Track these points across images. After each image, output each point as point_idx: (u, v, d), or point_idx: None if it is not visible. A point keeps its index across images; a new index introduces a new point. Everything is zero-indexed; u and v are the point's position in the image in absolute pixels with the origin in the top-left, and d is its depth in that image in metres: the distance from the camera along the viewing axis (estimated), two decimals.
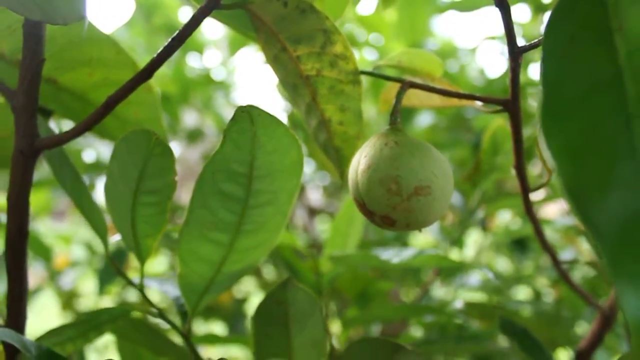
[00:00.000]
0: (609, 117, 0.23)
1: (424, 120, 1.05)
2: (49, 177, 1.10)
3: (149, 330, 0.49)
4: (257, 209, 0.41)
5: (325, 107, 0.42)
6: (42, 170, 1.06)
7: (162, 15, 1.19)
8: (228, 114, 1.33)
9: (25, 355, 0.45)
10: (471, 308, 0.65)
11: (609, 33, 0.25)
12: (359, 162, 0.37)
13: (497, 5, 0.36)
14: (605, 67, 0.24)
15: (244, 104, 0.36)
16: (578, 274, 1.04)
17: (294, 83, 0.42)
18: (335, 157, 0.44)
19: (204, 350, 1.30)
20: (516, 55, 0.37)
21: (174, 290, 0.51)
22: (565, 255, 1.04)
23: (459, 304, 0.66)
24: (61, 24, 0.32)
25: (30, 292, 0.95)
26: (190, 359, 0.46)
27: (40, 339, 0.45)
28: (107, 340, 1.16)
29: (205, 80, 1.20)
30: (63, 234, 1.39)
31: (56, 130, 0.47)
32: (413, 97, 0.47)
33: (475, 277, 0.91)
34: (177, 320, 0.49)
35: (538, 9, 0.91)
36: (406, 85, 0.39)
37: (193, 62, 1.27)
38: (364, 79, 0.42)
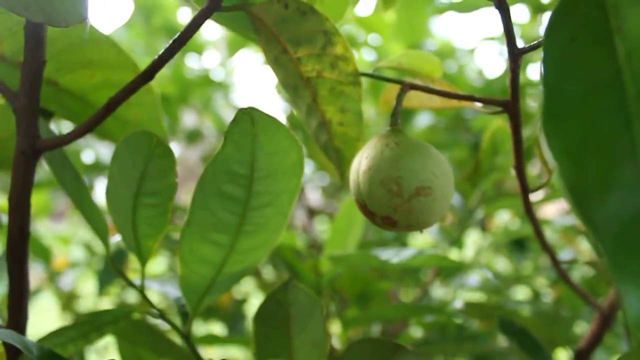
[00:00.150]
0: (609, 118, 0.23)
1: (422, 120, 1.05)
2: (48, 179, 1.10)
3: (150, 331, 0.49)
4: (257, 210, 0.41)
5: (326, 108, 0.42)
6: (41, 171, 1.06)
7: (161, 17, 1.19)
8: (227, 114, 1.33)
9: (26, 356, 0.45)
10: (471, 308, 0.65)
11: (609, 34, 0.25)
12: (360, 163, 0.37)
13: (496, 7, 0.36)
14: (605, 67, 0.25)
15: (245, 105, 0.37)
16: (577, 274, 1.04)
17: (294, 84, 0.42)
18: (336, 158, 0.44)
19: (204, 351, 1.30)
20: (516, 56, 0.37)
21: (174, 291, 0.51)
22: (564, 255, 1.04)
23: (458, 304, 0.66)
24: (63, 26, 0.32)
25: (30, 293, 0.95)
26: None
27: (41, 340, 0.45)
28: (107, 341, 1.16)
29: (204, 81, 1.20)
30: (62, 235, 1.39)
31: (56, 132, 0.47)
32: (413, 98, 0.47)
33: (474, 277, 0.92)
34: (176, 321, 0.49)
35: (537, 9, 0.91)
36: (407, 87, 0.40)
37: (192, 63, 1.27)
38: (364, 80, 0.42)
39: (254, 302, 1.33)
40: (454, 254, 0.91)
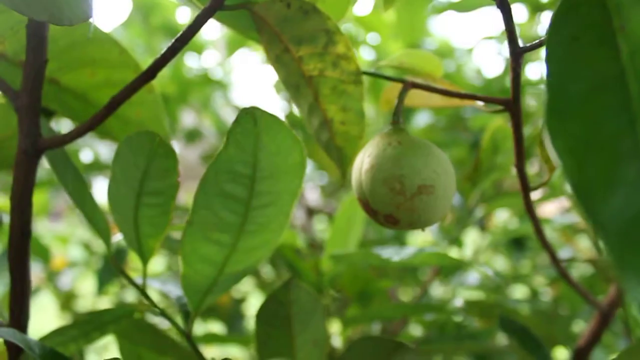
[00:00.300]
0: (612, 117, 0.24)
1: (421, 119, 1.05)
2: (46, 178, 1.10)
3: (151, 330, 0.50)
4: (259, 210, 0.41)
5: (328, 107, 0.42)
6: (40, 171, 1.06)
7: (160, 16, 1.19)
8: (226, 114, 1.33)
9: (28, 355, 0.45)
10: (471, 306, 0.66)
11: (612, 34, 0.25)
12: (363, 162, 0.38)
13: (498, 6, 0.36)
14: (608, 67, 0.25)
15: (247, 105, 0.37)
16: (575, 273, 1.05)
17: (296, 83, 0.42)
18: (337, 156, 0.44)
19: (202, 350, 1.30)
20: (517, 55, 0.37)
21: (176, 290, 0.51)
22: (563, 253, 1.05)
23: (459, 303, 0.66)
24: (67, 24, 0.32)
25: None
26: (193, 359, 0.46)
27: (43, 338, 0.45)
28: (106, 341, 1.16)
29: (204, 81, 1.20)
30: (60, 235, 1.39)
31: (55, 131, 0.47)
32: (414, 97, 0.47)
33: (473, 276, 0.92)
34: (176, 320, 0.49)
35: (535, 9, 0.92)
36: (408, 86, 0.40)
37: (191, 62, 1.27)
38: (363, 79, 0.42)
39: (253, 302, 1.33)
40: (453, 253, 0.91)
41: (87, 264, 1.31)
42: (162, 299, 1.21)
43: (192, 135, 1.27)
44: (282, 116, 1.11)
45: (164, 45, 1.19)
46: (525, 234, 1.02)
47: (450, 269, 0.86)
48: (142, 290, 0.45)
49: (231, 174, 0.39)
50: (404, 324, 0.84)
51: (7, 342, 0.44)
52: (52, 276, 1.18)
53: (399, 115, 0.39)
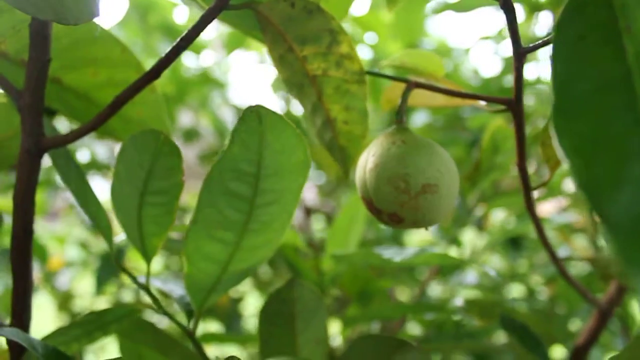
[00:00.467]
0: (618, 116, 0.24)
1: (419, 119, 1.05)
2: (43, 178, 1.10)
3: (153, 330, 0.49)
4: (263, 208, 0.41)
5: (331, 106, 0.42)
6: None
7: (157, 15, 1.18)
8: (224, 113, 1.33)
9: (31, 355, 0.45)
10: (471, 305, 0.66)
11: (618, 34, 0.26)
12: (367, 161, 0.38)
13: (501, 7, 0.36)
14: (614, 67, 0.25)
15: (247, 104, 0.37)
16: (572, 272, 1.05)
17: (299, 83, 0.42)
18: (340, 156, 0.45)
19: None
20: (520, 55, 0.37)
21: (177, 290, 0.51)
22: (560, 252, 1.05)
23: (459, 302, 0.67)
24: (73, 23, 0.32)
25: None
26: (196, 359, 0.46)
27: (45, 338, 0.45)
28: (103, 341, 1.16)
29: (202, 80, 1.20)
30: (57, 235, 1.39)
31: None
32: (416, 96, 0.47)
33: (471, 276, 0.92)
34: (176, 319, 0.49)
35: (533, 9, 0.92)
36: (412, 85, 0.40)
37: (188, 62, 1.27)
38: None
39: (251, 301, 1.33)
40: (452, 253, 0.92)
41: (84, 264, 1.31)
42: (161, 298, 1.20)
43: (190, 135, 1.27)
44: None
45: (161, 45, 1.19)
46: (523, 234, 1.03)
47: (449, 269, 0.86)
48: (146, 289, 0.45)
49: (236, 172, 0.39)
50: (402, 323, 0.84)
51: (9, 342, 0.44)
52: (49, 276, 1.18)
53: (403, 115, 0.39)
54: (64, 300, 1.16)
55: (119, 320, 0.47)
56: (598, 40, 0.26)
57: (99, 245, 1.30)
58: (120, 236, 0.51)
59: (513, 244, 1.10)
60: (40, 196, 1.23)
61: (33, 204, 0.42)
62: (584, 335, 0.61)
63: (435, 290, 1.11)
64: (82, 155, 1.21)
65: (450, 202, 0.38)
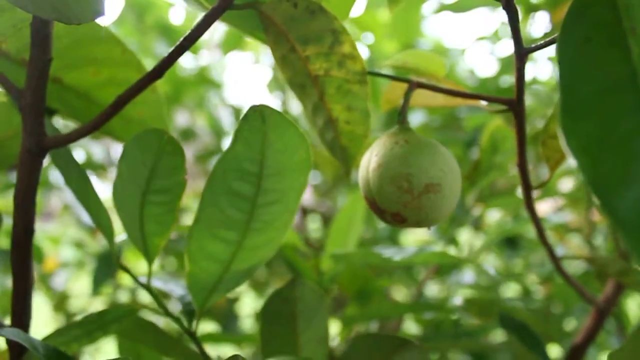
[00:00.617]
0: (625, 117, 0.24)
1: (415, 119, 1.06)
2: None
3: (153, 330, 0.49)
4: (266, 207, 0.41)
5: (333, 106, 0.42)
6: None
7: (153, 15, 1.18)
8: (219, 113, 1.33)
9: (31, 355, 0.45)
10: (470, 304, 0.66)
11: (622, 35, 0.26)
12: (370, 161, 0.38)
13: (504, 7, 0.36)
14: (619, 68, 0.25)
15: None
16: (567, 271, 1.06)
17: (301, 83, 0.42)
18: (342, 156, 0.45)
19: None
20: (522, 55, 0.37)
21: (178, 289, 0.51)
22: (555, 251, 1.06)
23: (458, 301, 0.67)
24: (76, 23, 0.32)
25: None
26: (198, 358, 0.46)
27: (45, 338, 0.45)
28: (100, 342, 1.15)
29: (198, 80, 1.20)
30: (52, 235, 1.38)
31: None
32: (417, 97, 0.47)
33: (469, 275, 0.93)
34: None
35: (529, 9, 0.93)
36: (414, 86, 0.40)
37: (185, 62, 1.27)
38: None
39: (247, 302, 1.33)
40: (450, 252, 0.92)
41: (79, 265, 1.30)
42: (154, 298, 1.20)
43: (186, 135, 1.27)
44: None
45: (157, 45, 1.19)
46: (519, 233, 1.03)
47: (447, 268, 0.87)
48: (148, 289, 0.45)
49: (238, 172, 0.39)
50: (399, 322, 0.84)
51: (9, 343, 0.44)
52: (44, 277, 1.17)
53: (405, 115, 0.39)
54: (60, 301, 1.15)
55: (119, 320, 0.47)
56: (603, 42, 0.26)
57: (95, 245, 1.29)
58: (120, 236, 0.51)
59: (509, 243, 1.11)
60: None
61: (34, 204, 0.42)
62: (581, 333, 0.62)
63: (432, 290, 1.12)
64: (78, 155, 1.21)
65: (453, 201, 0.38)
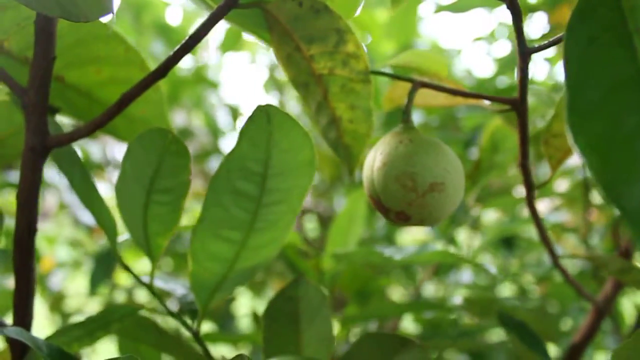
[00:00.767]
0: (631, 115, 0.24)
1: (414, 119, 1.05)
2: None
3: (156, 330, 0.49)
4: (269, 207, 0.41)
5: (337, 105, 0.43)
6: None
7: (150, 14, 1.18)
8: (217, 113, 1.33)
9: (33, 355, 0.44)
10: (471, 304, 0.67)
11: (628, 35, 0.26)
12: (374, 160, 0.38)
13: (508, 7, 0.37)
14: (625, 67, 0.26)
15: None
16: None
17: (305, 82, 0.42)
18: (345, 154, 0.45)
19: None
20: (525, 55, 0.38)
21: (179, 289, 0.51)
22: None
23: (457, 300, 0.67)
24: (83, 21, 0.32)
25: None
26: (201, 358, 0.46)
27: (48, 338, 0.44)
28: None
29: (195, 80, 1.20)
30: (48, 235, 1.37)
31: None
32: (418, 96, 0.47)
33: (467, 275, 0.93)
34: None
35: (526, 10, 0.93)
36: (418, 85, 0.40)
37: (182, 61, 1.26)
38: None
39: (243, 302, 1.33)
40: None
41: (75, 265, 1.29)
42: (152, 298, 1.20)
43: (184, 135, 1.27)
44: None
45: (154, 44, 1.18)
46: (515, 233, 1.04)
47: (446, 268, 0.87)
48: (150, 288, 0.45)
49: (243, 171, 0.39)
50: (397, 322, 0.85)
51: (10, 342, 0.44)
52: (41, 277, 1.16)
53: (410, 114, 0.40)
54: (56, 301, 1.15)
55: (121, 320, 0.47)
56: (609, 42, 0.27)
57: (92, 245, 1.29)
58: (122, 236, 0.51)
59: (505, 243, 1.11)
60: None
61: (37, 203, 0.42)
62: (580, 332, 0.62)
63: (429, 290, 1.12)
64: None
65: (456, 200, 0.38)
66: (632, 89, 0.25)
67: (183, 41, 0.37)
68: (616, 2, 0.27)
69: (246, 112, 1.29)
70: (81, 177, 0.43)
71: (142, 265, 1.43)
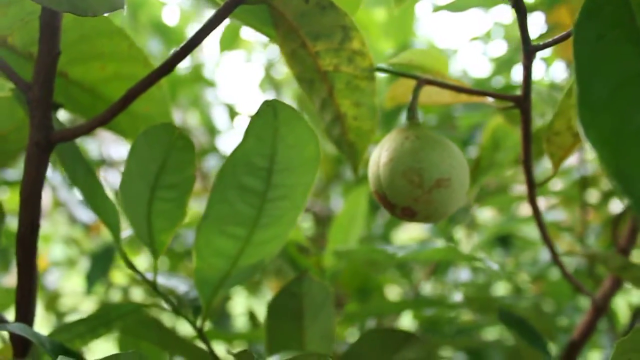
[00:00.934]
0: (639, 111, 0.25)
1: None
2: None
3: (158, 327, 0.49)
4: (275, 202, 0.41)
5: (341, 102, 0.43)
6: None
7: (147, 13, 1.18)
8: (213, 111, 1.33)
9: (37, 350, 0.44)
10: (471, 301, 0.67)
11: (636, 32, 0.27)
12: (381, 156, 0.38)
13: (512, 6, 0.37)
14: (633, 63, 0.26)
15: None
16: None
17: (310, 78, 0.42)
18: (349, 151, 0.45)
19: None
20: (529, 53, 0.38)
21: (182, 286, 0.51)
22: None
23: (458, 297, 0.67)
24: (91, 15, 0.32)
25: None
26: (205, 355, 0.46)
27: (51, 334, 0.44)
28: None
29: (192, 78, 1.20)
30: (43, 234, 1.36)
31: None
32: (422, 94, 0.48)
33: (465, 273, 0.93)
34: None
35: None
36: (422, 82, 0.41)
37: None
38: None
39: (239, 301, 1.32)
40: None
41: (70, 263, 1.29)
42: (150, 296, 1.19)
43: None
44: None
45: (151, 43, 1.18)
46: (511, 232, 1.05)
47: (444, 267, 0.87)
48: (153, 286, 0.45)
49: (249, 166, 0.39)
50: (395, 320, 0.85)
51: (13, 338, 0.44)
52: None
53: (415, 111, 0.40)
54: (52, 300, 1.14)
55: (123, 317, 0.47)
56: (617, 39, 0.27)
57: (88, 243, 1.28)
58: (124, 232, 0.50)
59: (501, 242, 1.12)
60: None
61: (40, 199, 0.42)
62: (579, 330, 0.63)
63: (426, 288, 1.12)
64: None
65: (461, 196, 0.38)
66: None
67: (189, 37, 0.37)
68: (624, 1, 0.28)
69: (242, 111, 1.28)
70: (85, 172, 0.43)
71: (138, 263, 1.43)
